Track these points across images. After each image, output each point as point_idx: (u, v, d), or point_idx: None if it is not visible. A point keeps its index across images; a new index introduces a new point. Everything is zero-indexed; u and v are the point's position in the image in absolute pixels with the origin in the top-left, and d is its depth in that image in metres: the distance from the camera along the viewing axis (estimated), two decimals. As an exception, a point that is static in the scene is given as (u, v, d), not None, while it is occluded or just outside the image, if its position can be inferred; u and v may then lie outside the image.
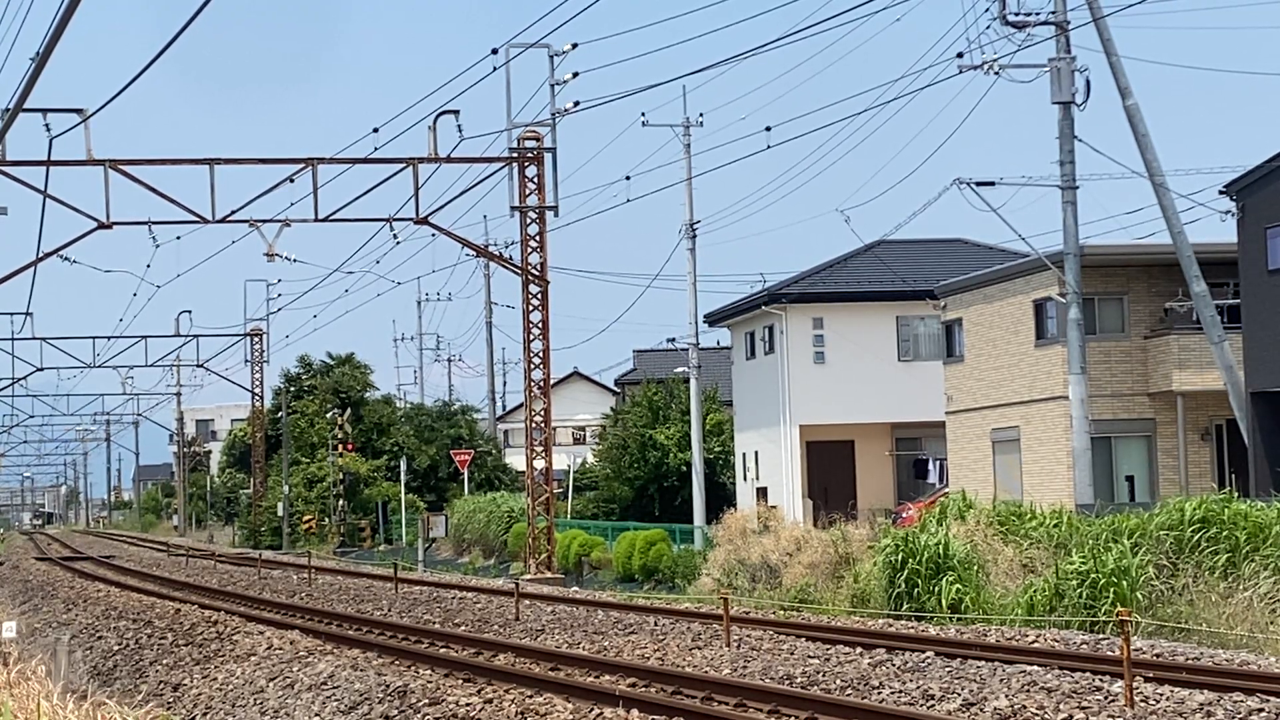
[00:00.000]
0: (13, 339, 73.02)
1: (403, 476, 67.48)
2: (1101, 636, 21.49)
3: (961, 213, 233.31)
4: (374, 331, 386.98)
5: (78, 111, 40.61)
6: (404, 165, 43.42)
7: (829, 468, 53.83)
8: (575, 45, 42.82)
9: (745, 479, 57.49)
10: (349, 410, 79.22)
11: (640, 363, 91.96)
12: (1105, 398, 41.64)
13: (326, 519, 75.80)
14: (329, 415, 78.47)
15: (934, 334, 51.68)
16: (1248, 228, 37.83)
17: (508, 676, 19.34)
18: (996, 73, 36.29)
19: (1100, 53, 35.97)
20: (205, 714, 20.01)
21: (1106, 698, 16.25)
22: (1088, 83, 36.59)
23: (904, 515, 41.64)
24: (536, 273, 44.01)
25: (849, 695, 16.99)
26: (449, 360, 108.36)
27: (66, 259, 48.38)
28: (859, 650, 21.20)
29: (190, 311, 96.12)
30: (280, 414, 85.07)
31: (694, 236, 53.37)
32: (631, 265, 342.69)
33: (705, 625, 25.34)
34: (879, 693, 17.10)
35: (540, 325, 44.15)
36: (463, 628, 26.88)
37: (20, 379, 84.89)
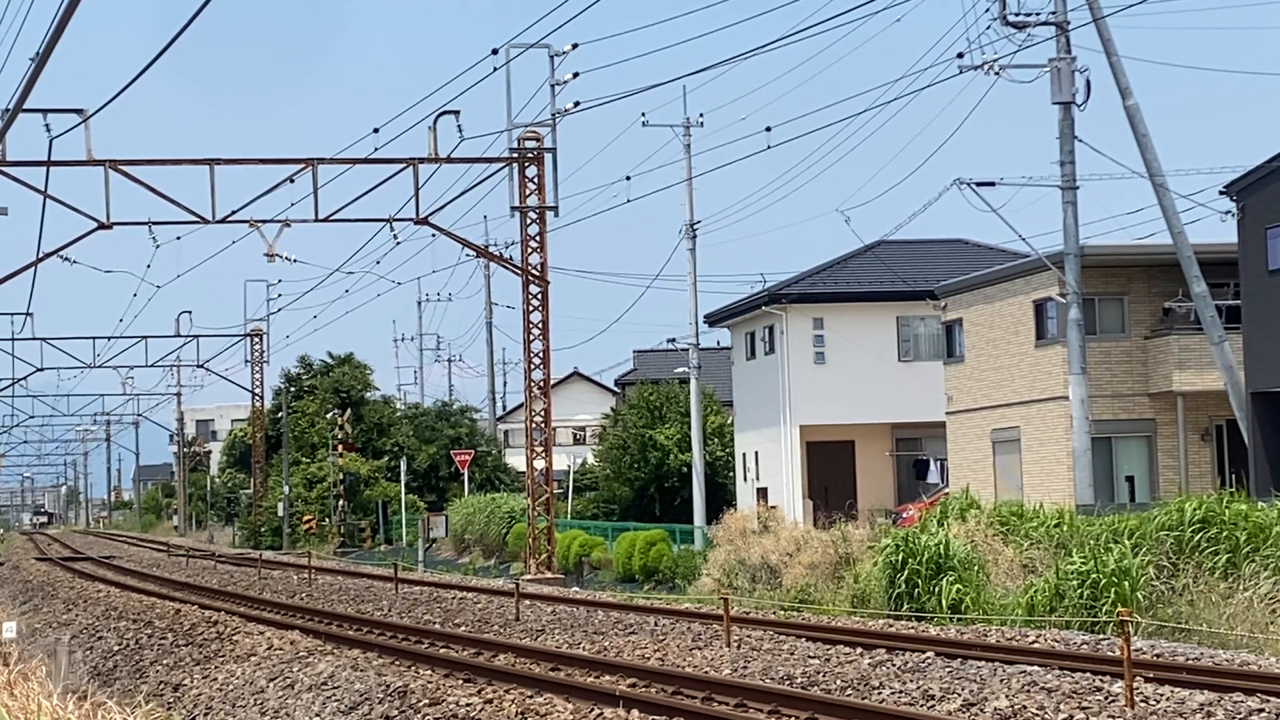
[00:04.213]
0: (13, 339, 73.07)
1: (403, 477, 67.48)
2: (1102, 637, 21.48)
3: (961, 213, 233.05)
4: (374, 331, 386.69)
5: (78, 111, 40.62)
6: (404, 165, 43.42)
7: (829, 468, 53.82)
8: (575, 45, 42.85)
9: (745, 479, 57.49)
10: (349, 410, 79.23)
11: (640, 363, 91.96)
12: (1105, 398, 41.64)
13: (327, 519, 75.81)
14: (329, 415, 78.48)
15: (934, 334, 51.68)
16: (1248, 228, 37.83)
17: (508, 676, 19.34)
18: (996, 73, 36.30)
19: (1100, 53, 36.00)
20: (205, 714, 20.02)
21: (1107, 698, 16.24)
22: (1088, 83, 36.63)
23: (904, 515, 41.64)
24: (536, 273, 44.00)
25: (849, 695, 16.98)
26: (449, 360, 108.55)
27: (67, 259, 48.34)
28: (859, 650, 21.20)
29: (190, 312, 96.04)
30: (280, 414, 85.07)
31: (694, 236, 53.39)
32: (631, 265, 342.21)
33: (705, 625, 25.33)
34: (879, 693, 17.10)
35: (540, 325, 44.15)
36: (463, 628, 26.88)
37: (20, 379, 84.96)
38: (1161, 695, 16.21)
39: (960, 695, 16.46)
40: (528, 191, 43.74)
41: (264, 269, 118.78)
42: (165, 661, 24.42)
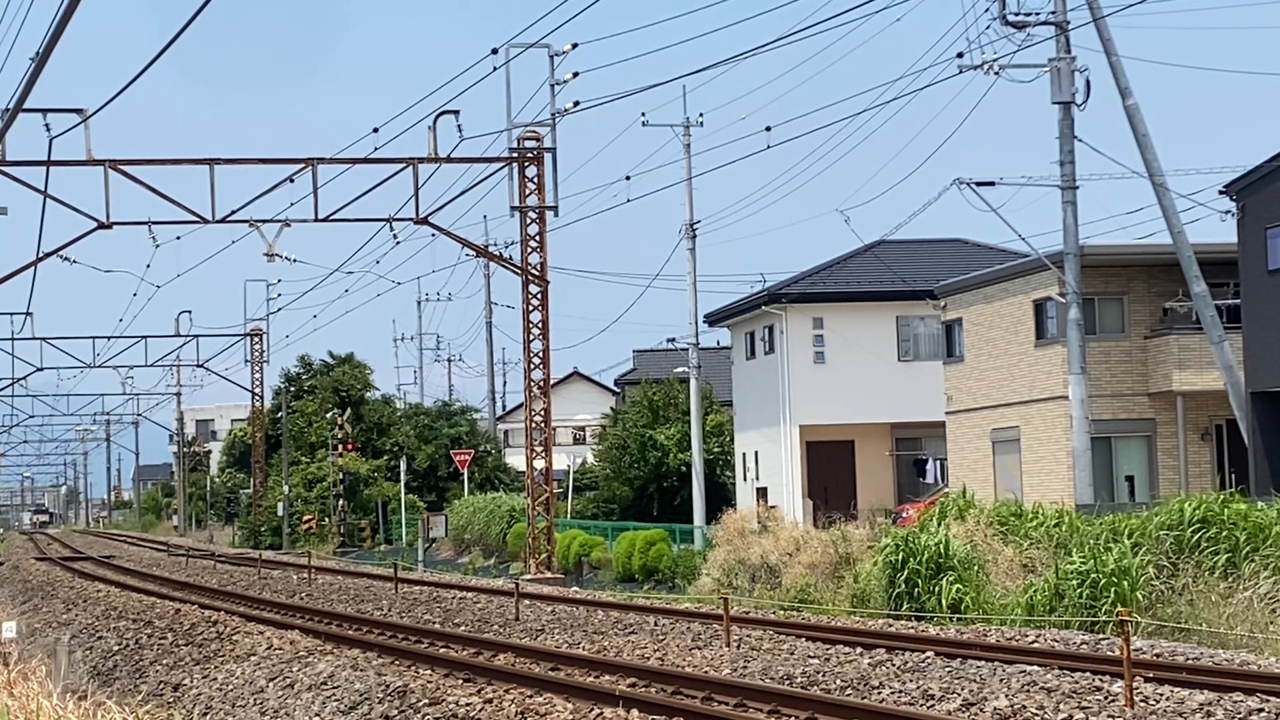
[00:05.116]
0: (13, 339, 73.06)
1: (403, 476, 67.46)
2: (1101, 636, 21.48)
3: (961, 213, 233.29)
4: (374, 331, 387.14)
5: (78, 111, 40.63)
6: (404, 165, 43.42)
7: (829, 468, 53.82)
8: (575, 45, 42.88)
9: (745, 479, 57.49)
10: (349, 410, 79.23)
11: (640, 363, 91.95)
12: (1105, 398, 41.64)
13: (326, 519, 75.80)
14: (329, 415, 78.48)
15: (934, 334, 51.68)
16: (1248, 228, 37.83)
17: (508, 676, 19.34)
18: (996, 73, 36.30)
19: (1100, 53, 36.01)
20: (205, 714, 20.01)
21: (1106, 698, 16.24)
22: (1088, 83, 36.64)
23: (904, 515, 41.65)
24: (536, 273, 44.01)
25: (849, 695, 16.99)
26: (449, 360, 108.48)
27: (66, 259, 48.37)
28: (859, 650, 21.19)
29: (190, 311, 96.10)
30: (280, 414, 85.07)
31: (694, 236, 53.38)
32: (631, 265, 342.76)
33: (705, 625, 25.33)
34: (879, 693, 17.11)
35: (540, 325, 44.15)
36: (463, 628, 26.88)
37: (20, 379, 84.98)
38: (1161, 695, 16.22)
39: (960, 695, 16.47)
40: (527, 191, 43.75)
41: (264, 269, 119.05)
42: (165, 661, 24.42)
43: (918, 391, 51.50)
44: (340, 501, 75.02)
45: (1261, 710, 15.39)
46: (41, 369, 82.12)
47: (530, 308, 44.13)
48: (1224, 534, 24.47)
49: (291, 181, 43.15)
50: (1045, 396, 42.60)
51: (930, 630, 23.31)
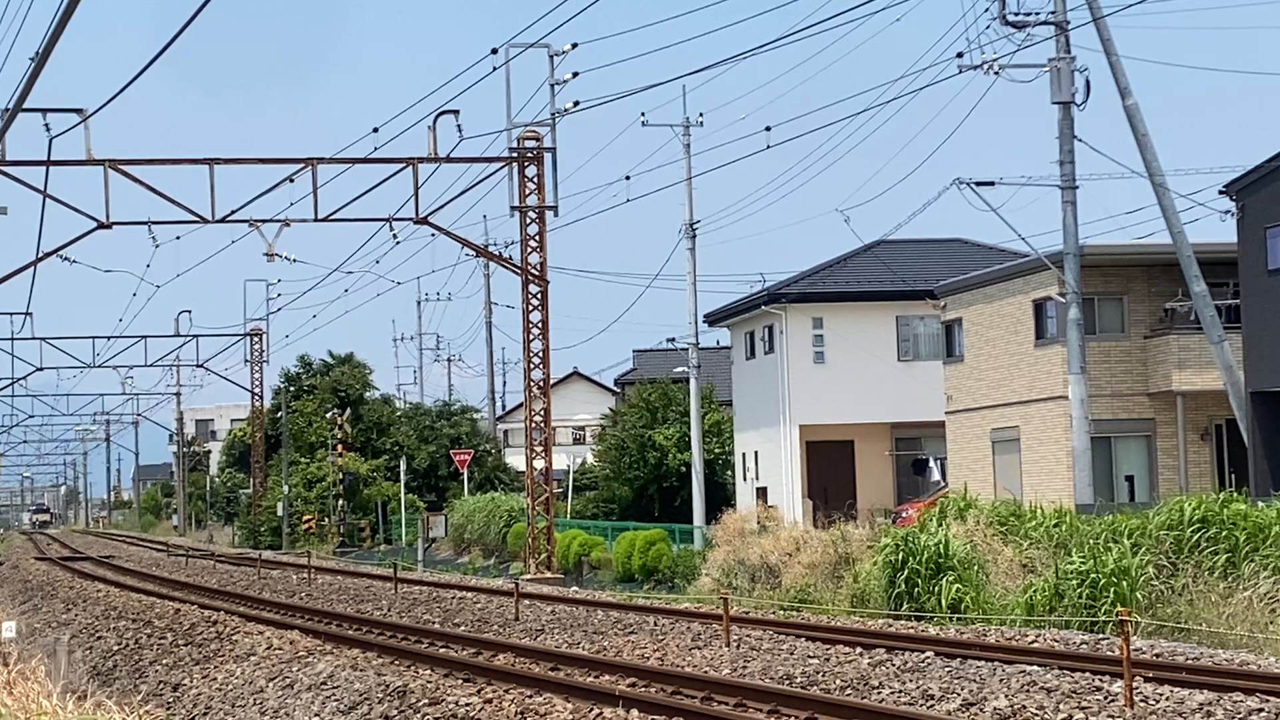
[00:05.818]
0: (13, 339, 73.02)
1: (402, 476, 67.45)
2: (1101, 636, 21.48)
3: (961, 213, 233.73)
4: (374, 331, 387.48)
5: (77, 111, 40.61)
6: (404, 165, 43.40)
7: (829, 468, 53.81)
8: (575, 45, 42.88)
9: (745, 479, 57.48)
10: (348, 410, 79.20)
11: (640, 363, 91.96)
12: (1105, 398, 41.64)
13: (326, 519, 75.78)
14: (328, 415, 78.45)
15: (934, 334, 51.68)
16: (1248, 228, 37.83)
17: (508, 676, 19.34)
18: (996, 73, 36.30)
19: (1100, 53, 36.00)
20: (205, 714, 20.01)
21: (1106, 698, 16.24)
22: (1087, 83, 36.63)
23: (904, 515, 41.65)
24: (536, 273, 44.00)
25: (849, 695, 16.99)
26: (449, 360, 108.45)
27: (66, 259, 48.38)
28: (859, 650, 21.19)
29: (190, 311, 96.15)
30: (280, 414, 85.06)
31: (694, 236, 53.36)
32: (631, 265, 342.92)
33: (705, 625, 25.33)
34: (879, 693, 17.11)
35: (540, 325, 44.14)
36: (462, 628, 26.88)
37: (20, 379, 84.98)
38: (1161, 695, 16.22)
39: (960, 695, 16.47)
40: (527, 191, 43.73)
41: (264, 269, 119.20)
42: (165, 661, 24.42)
43: (917, 391, 51.50)
44: (340, 501, 74.99)
45: (1261, 710, 15.39)
46: (41, 369, 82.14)
47: (530, 308, 44.13)
48: (1224, 534, 24.46)
49: (291, 181, 43.17)
50: (1045, 396, 42.61)
51: (930, 630, 23.30)
